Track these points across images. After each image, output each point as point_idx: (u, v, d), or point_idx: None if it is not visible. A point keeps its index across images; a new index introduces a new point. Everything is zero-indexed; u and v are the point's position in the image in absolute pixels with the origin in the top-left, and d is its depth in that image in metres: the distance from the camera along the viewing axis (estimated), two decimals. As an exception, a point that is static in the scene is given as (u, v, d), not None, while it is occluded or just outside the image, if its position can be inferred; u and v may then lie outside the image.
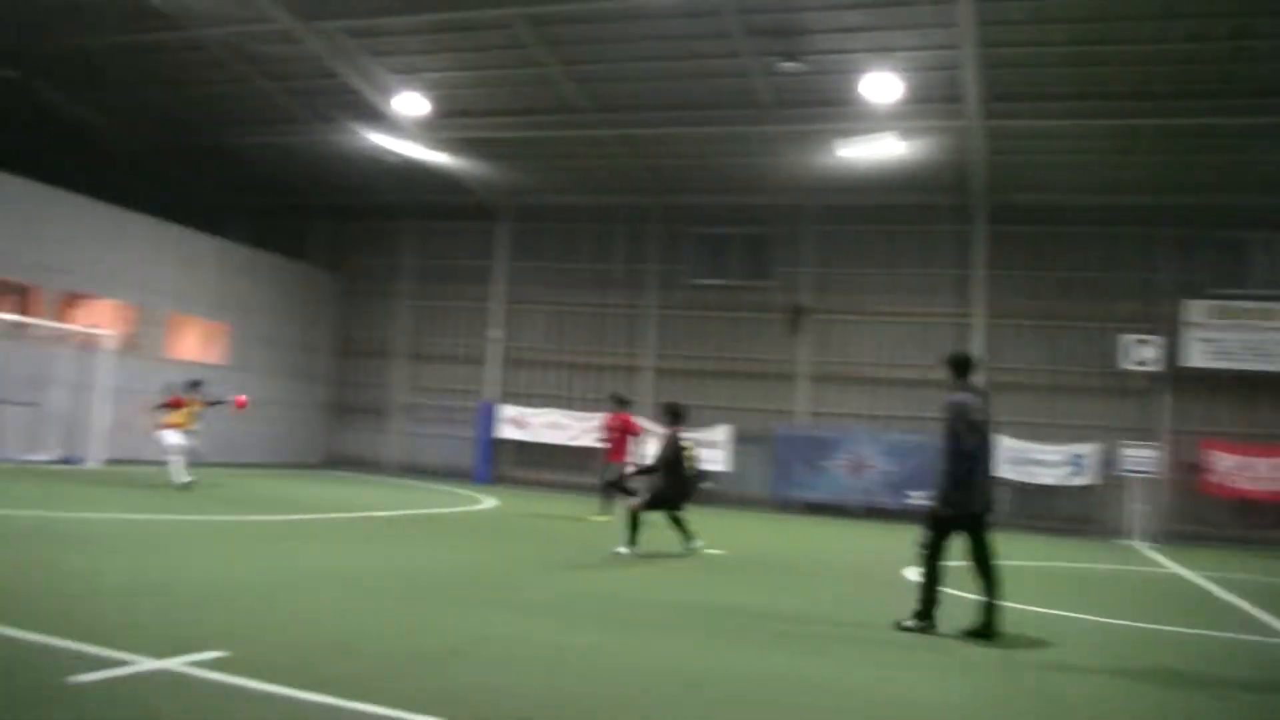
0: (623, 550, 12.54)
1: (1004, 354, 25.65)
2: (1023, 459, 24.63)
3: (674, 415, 13.31)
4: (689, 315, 28.60)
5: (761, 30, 20.09)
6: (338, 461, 31.23)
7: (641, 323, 28.95)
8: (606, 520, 17.58)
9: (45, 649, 5.74)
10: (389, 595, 8.71)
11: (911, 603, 8.48)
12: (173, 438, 18.29)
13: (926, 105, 21.64)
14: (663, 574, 11.68)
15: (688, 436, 13.28)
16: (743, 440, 27.25)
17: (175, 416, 18.40)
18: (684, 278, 28.90)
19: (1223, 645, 9.24)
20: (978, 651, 7.83)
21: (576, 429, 28.32)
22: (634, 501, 13.13)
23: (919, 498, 24.86)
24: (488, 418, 29.12)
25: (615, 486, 17.78)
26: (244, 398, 19.66)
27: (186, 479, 17.92)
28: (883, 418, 26.26)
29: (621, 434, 18.33)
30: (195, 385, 19.26)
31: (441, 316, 31.20)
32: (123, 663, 5.48)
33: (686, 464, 13.03)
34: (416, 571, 10.47)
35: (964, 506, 8.26)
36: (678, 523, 13.28)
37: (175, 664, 5.55)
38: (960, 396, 8.49)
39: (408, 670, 6.03)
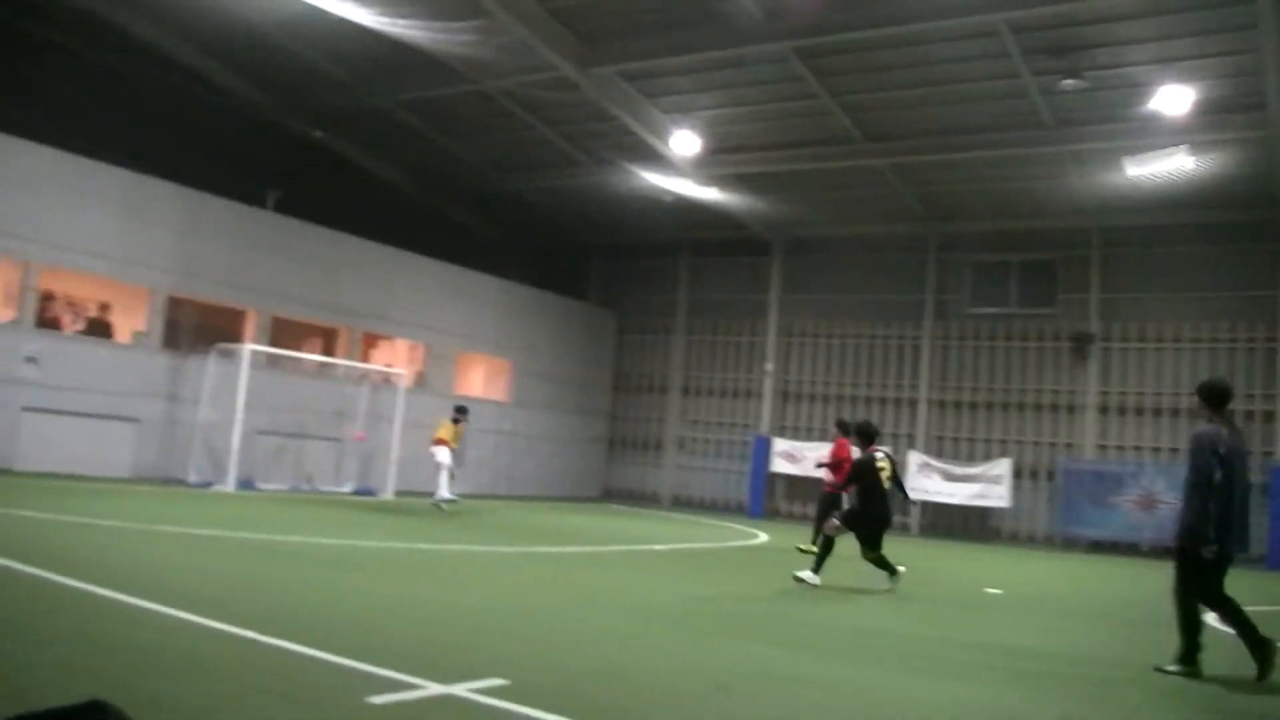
0: (805, 576, 12.01)
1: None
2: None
3: (865, 436, 12.80)
4: (966, 345, 27.77)
5: (1039, 49, 19.35)
6: (613, 495, 31.92)
7: (916, 354, 28.32)
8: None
9: (343, 669, 6.07)
10: (663, 626, 8.78)
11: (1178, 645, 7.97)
12: (443, 454, 19.61)
13: (1222, 116, 20.23)
14: (935, 612, 11.32)
15: (883, 454, 12.55)
16: (1024, 475, 26.20)
17: (443, 432, 19.84)
18: (961, 307, 28.11)
19: None
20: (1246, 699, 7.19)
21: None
22: (831, 524, 12.54)
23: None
24: (761, 452, 29.11)
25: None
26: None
27: (449, 496, 19.39)
28: (1176, 450, 24.63)
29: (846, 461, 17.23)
30: (462, 411, 20.64)
31: (715, 351, 31.50)
32: (413, 686, 5.71)
33: (880, 484, 12.28)
34: (690, 603, 10.53)
35: (1219, 546, 7.78)
36: (873, 550, 12.45)
37: (460, 690, 5.74)
38: (1209, 429, 8.08)
39: (680, 704, 6.04)
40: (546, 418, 30.02)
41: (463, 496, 25.82)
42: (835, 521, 12.47)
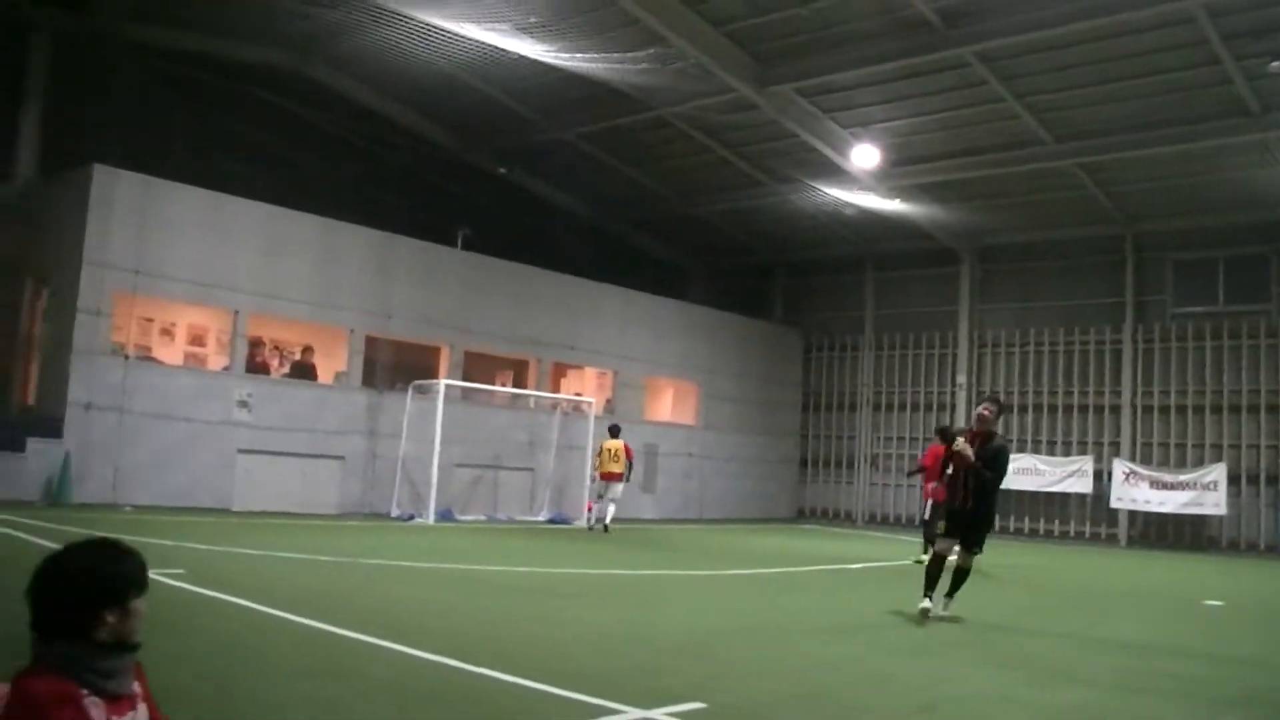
0: (928, 606, 10.14)
1: None
2: None
3: (946, 438, 12.02)
4: (1171, 347, 26.50)
5: (1240, 33, 18.36)
6: (806, 515, 31.61)
7: (1118, 358, 27.17)
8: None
9: (544, 695, 6.16)
10: (861, 646, 8.63)
11: None
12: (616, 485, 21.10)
13: None
14: (1148, 627, 10.80)
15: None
16: (1242, 480, 24.81)
17: (605, 463, 21.14)
18: (1164, 308, 26.86)
19: None
20: None
21: (1053, 474, 26.99)
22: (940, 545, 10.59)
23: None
24: (957, 466, 28.33)
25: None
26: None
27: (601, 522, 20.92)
28: None
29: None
30: (616, 431, 21.66)
31: (905, 364, 30.90)
32: (612, 711, 5.76)
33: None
34: (885, 622, 10.31)
35: None
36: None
37: (659, 714, 5.75)
38: None
39: (883, 728, 5.92)
40: (736, 439, 29.95)
41: (655, 521, 26.05)
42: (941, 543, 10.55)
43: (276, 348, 22.40)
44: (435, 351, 23.76)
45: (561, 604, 8.99)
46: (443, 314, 23.21)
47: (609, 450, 21.17)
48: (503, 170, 27.83)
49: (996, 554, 19.51)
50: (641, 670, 7.18)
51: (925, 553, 16.56)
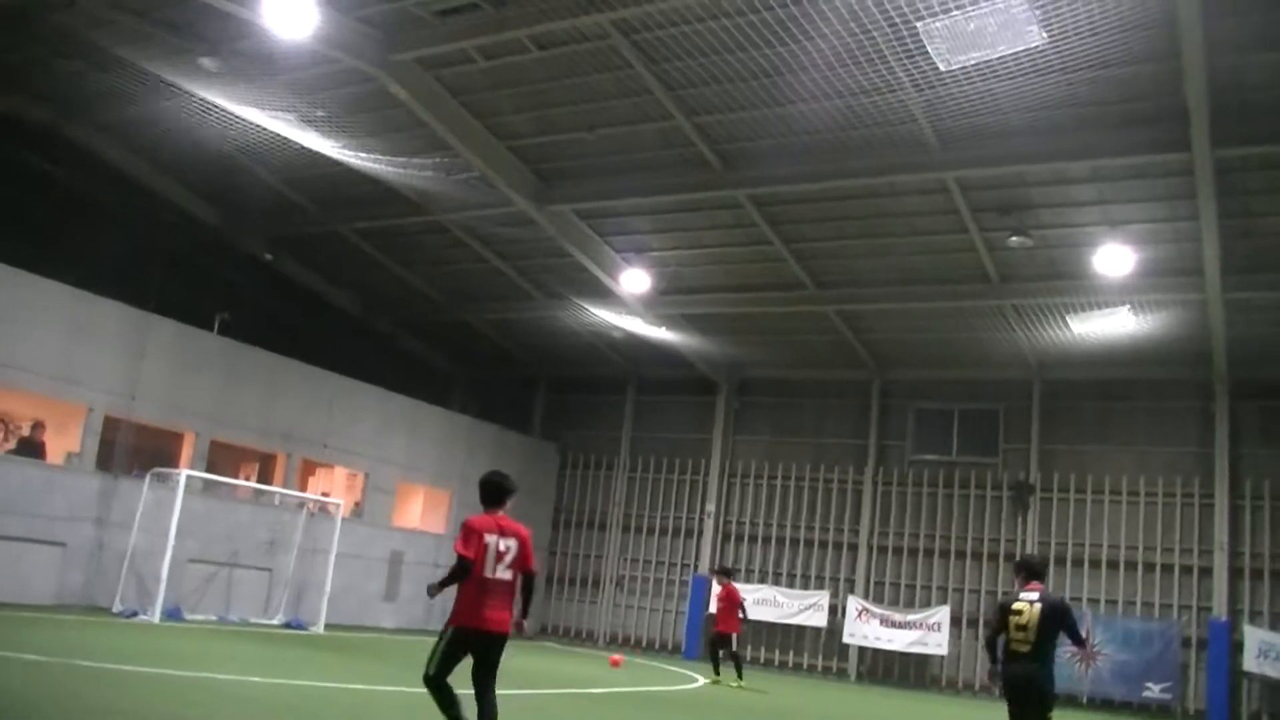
0: None
1: (1254, 538, 23.95)
2: (1279, 653, 22.73)
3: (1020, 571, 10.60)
4: (908, 491, 27.86)
5: (987, 207, 19.95)
6: (549, 631, 31.30)
7: (859, 498, 28.36)
8: (738, 685, 20.04)
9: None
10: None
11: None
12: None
13: (1163, 278, 20.83)
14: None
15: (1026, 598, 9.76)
16: (963, 622, 26.12)
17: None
18: (903, 453, 28.29)
19: None
20: None
21: (790, 606, 27.71)
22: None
23: (1156, 690, 23.26)
24: (699, 592, 28.77)
25: (730, 653, 20.93)
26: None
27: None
28: (1115, 603, 24.72)
29: (729, 603, 21.31)
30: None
31: (658, 488, 31.27)
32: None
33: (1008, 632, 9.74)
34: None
35: None
36: None
37: None
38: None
39: None
40: (484, 551, 29.48)
41: (395, 630, 25.24)
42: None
43: (2, 421, 20.79)
44: (179, 438, 22.58)
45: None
46: (192, 399, 22.09)
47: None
48: (269, 257, 27.09)
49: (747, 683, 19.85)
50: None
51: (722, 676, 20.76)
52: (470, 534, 8.34)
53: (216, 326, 23.13)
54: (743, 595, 22.46)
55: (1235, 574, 23.90)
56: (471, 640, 8.34)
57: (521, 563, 8.49)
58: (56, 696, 9.37)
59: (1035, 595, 9.52)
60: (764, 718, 15.78)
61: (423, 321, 30.94)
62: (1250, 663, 22.90)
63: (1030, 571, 9.93)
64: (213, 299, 23.79)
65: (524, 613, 8.65)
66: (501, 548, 8.38)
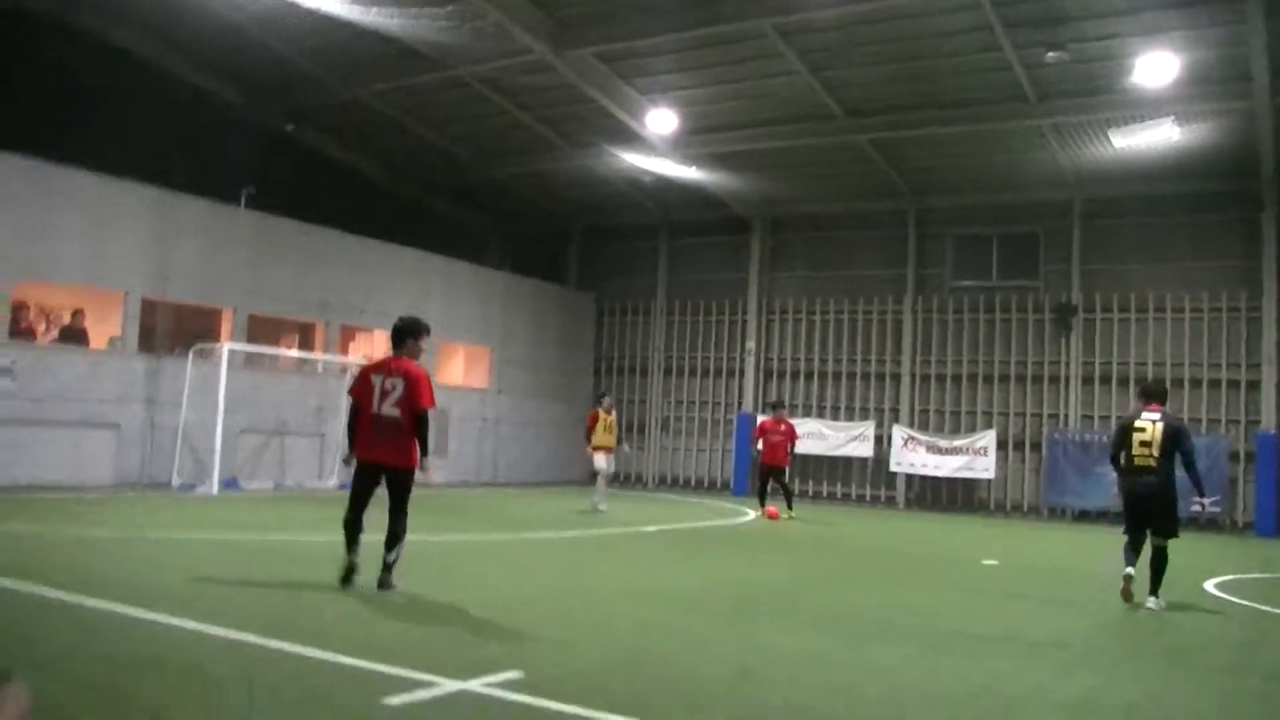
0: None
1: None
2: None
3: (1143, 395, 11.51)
4: (949, 318, 27.74)
5: (1022, 21, 19.22)
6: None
7: (899, 328, 28.28)
8: (790, 516, 20.58)
9: (354, 671, 5.95)
10: (671, 612, 8.69)
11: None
12: (599, 460, 20.44)
13: (1206, 87, 20.16)
14: (942, 587, 11.27)
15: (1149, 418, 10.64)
16: (1009, 446, 26.29)
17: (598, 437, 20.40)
18: (943, 281, 28.07)
19: None
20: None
21: (837, 439, 27.94)
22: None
23: (1203, 504, 23.38)
24: (744, 430, 29.02)
25: (781, 485, 21.21)
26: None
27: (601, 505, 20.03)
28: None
29: (783, 437, 21.32)
30: (603, 397, 21.45)
31: (696, 330, 31.34)
32: (428, 684, 5.60)
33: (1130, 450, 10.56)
34: (694, 587, 10.44)
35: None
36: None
37: (475, 685, 5.64)
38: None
39: (701, 691, 5.94)
40: (528, 404, 29.83)
41: (448, 486, 25.72)
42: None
43: (43, 312, 20.95)
44: (217, 315, 22.69)
45: (363, 574, 8.72)
46: (225, 276, 22.12)
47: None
48: (290, 128, 26.77)
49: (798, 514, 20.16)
50: (454, 640, 7.04)
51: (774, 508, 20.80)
52: (358, 376, 9.32)
53: (243, 200, 23.03)
54: (798, 432, 22.75)
55: (1298, 381, 23.76)
56: (367, 471, 9.03)
57: (408, 401, 8.88)
58: (133, 568, 9.63)
59: (1157, 415, 10.44)
60: (815, 545, 16.03)
61: (451, 182, 30.66)
62: (1298, 471, 22.97)
63: (1151, 394, 10.86)
64: (237, 176, 23.61)
65: (423, 450, 8.98)
66: (387, 386, 8.96)
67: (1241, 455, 23.77)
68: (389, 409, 8.89)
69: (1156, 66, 19.36)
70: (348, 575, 8.82)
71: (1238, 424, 24.12)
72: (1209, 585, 12.44)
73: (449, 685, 5.62)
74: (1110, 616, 9.73)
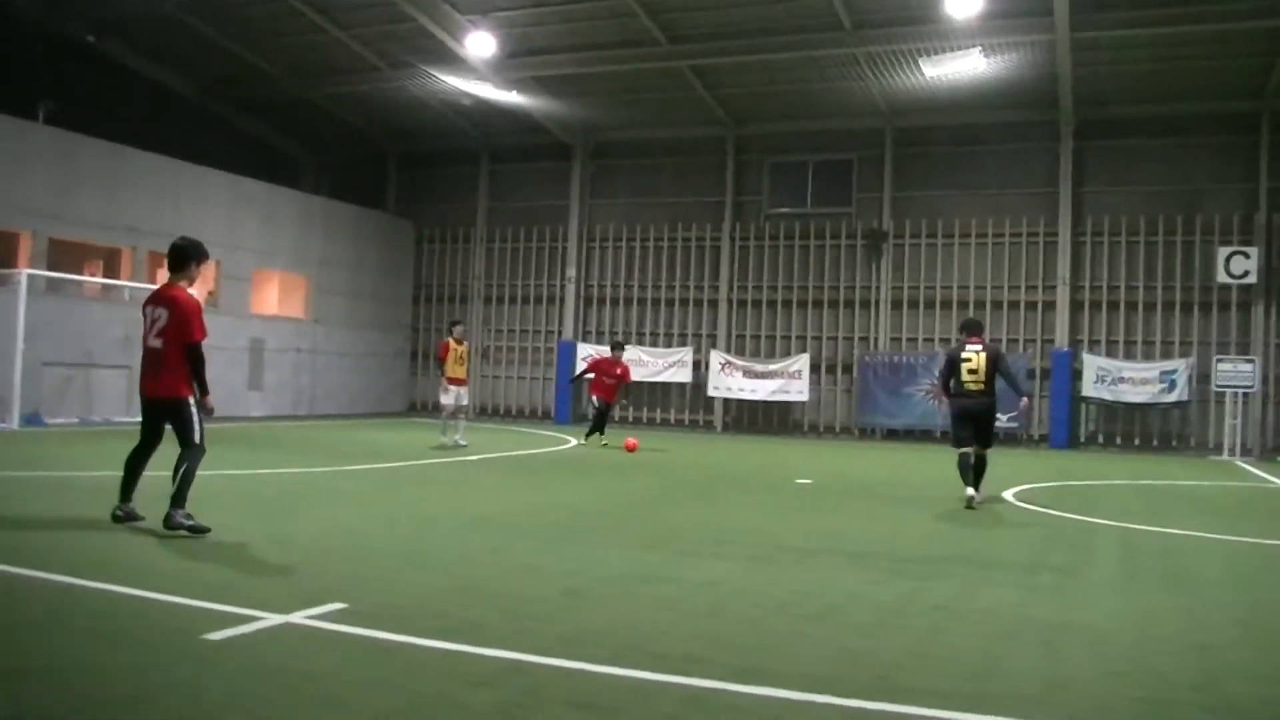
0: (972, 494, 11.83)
1: (1093, 271, 25.14)
2: (1113, 377, 24.21)
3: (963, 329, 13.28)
4: (765, 245, 28.25)
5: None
6: (418, 408, 31.44)
7: (717, 255, 28.66)
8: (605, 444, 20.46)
9: (174, 608, 5.80)
10: (499, 537, 8.71)
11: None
12: (447, 395, 19.02)
13: (1012, 20, 20.94)
14: (762, 505, 11.61)
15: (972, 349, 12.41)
16: (822, 369, 27.12)
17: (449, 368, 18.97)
18: (760, 208, 28.53)
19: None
20: (1096, 572, 7.66)
21: (656, 364, 28.26)
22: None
23: (1005, 420, 24.65)
24: (566, 357, 29.10)
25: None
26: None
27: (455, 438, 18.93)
28: (966, 342, 25.80)
29: (617, 377, 21.46)
30: (455, 325, 20.09)
31: (517, 258, 31.12)
32: (250, 619, 5.50)
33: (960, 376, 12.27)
34: (520, 513, 10.48)
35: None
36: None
37: (298, 618, 5.57)
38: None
39: (531, 613, 5.98)
40: (347, 334, 29.23)
41: (263, 418, 25.07)
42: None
43: None
44: (14, 239, 21.44)
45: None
46: (23, 196, 20.88)
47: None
48: (91, 39, 25.24)
49: (610, 442, 20.36)
50: (279, 574, 6.90)
51: (587, 439, 20.97)
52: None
53: (41, 116, 21.70)
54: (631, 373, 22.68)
55: (1076, 307, 25.18)
56: (145, 407, 8.62)
57: (175, 331, 8.35)
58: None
59: (979, 346, 12.18)
60: (637, 470, 16.25)
61: (264, 102, 29.47)
62: (1088, 388, 24.46)
63: (971, 328, 12.68)
64: (35, 89, 22.23)
65: (202, 389, 8.53)
66: (154, 316, 8.44)
67: (1038, 372, 25.08)
68: (153, 340, 8.38)
69: (963, -3, 19.96)
70: (115, 516, 8.43)
71: (1034, 342, 25.46)
72: (1008, 494, 13.23)
73: (272, 619, 5.53)
74: (920, 528, 10.20)
